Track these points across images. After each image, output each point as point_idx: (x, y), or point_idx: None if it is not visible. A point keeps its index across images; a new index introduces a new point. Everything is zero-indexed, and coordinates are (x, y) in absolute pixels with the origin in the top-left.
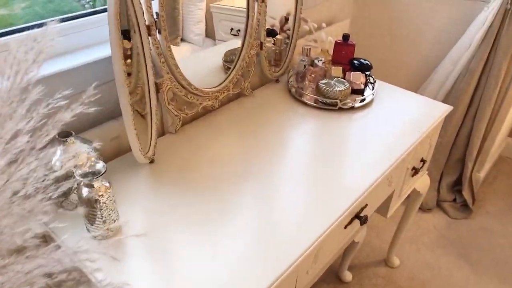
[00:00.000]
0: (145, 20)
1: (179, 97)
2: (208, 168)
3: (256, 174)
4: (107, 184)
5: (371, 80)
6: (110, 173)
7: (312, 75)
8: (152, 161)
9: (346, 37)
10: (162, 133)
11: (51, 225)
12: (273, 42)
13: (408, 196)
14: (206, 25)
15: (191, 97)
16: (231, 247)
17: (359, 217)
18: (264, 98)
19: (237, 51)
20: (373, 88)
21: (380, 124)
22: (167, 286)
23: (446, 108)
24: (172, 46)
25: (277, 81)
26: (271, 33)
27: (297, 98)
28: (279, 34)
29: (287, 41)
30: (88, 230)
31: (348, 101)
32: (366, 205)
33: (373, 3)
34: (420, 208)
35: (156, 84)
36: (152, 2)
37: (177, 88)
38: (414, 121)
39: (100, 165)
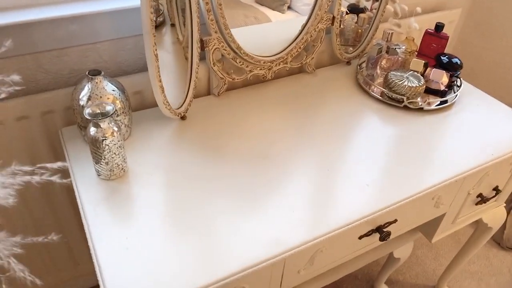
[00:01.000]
0: None
1: (227, 60)
2: (239, 139)
3: (285, 157)
4: (115, 128)
5: (458, 83)
6: (138, 120)
7: (387, 64)
8: (183, 118)
9: (439, 27)
10: (207, 93)
11: (69, 150)
12: (356, 20)
13: (477, 224)
14: None
15: (240, 62)
16: (231, 220)
17: (380, 230)
18: (326, 79)
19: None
20: (455, 92)
21: (449, 134)
22: (159, 235)
23: None
24: (275, 12)
25: (348, 63)
26: (356, 9)
27: (362, 86)
28: (365, 12)
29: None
30: (94, 167)
31: (418, 100)
32: (396, 220)
33: None
34: (498, 243)
35: (202, 41)
36: None
37: (225, 50)
38: (495, 141)
39: (110, 107)
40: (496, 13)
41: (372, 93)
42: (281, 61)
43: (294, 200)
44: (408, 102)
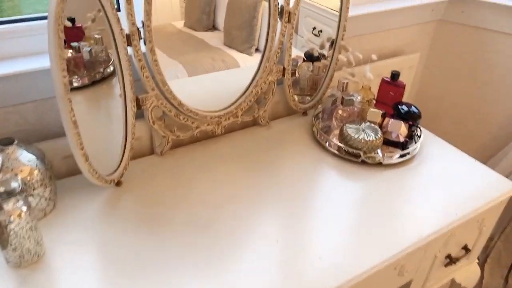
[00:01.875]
0: (122, 28)
1: (169, 117)
2: (181, 205)
3: (231, 227)
4: (24, 208)
5: (418, 133)
6: (67, 188)
7: (343, 115)
8: (118, 184)
9: (395, 75)
10: (151, 151)
11: None
12: (311, 69)
13: (452, 282)
14: None
15: (184, 119)
16: None
17: None
18: (281, 132)
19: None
20: (415, 143)
21: (410, 193)
22: None
23: (510, 189)
24: (243, 55)
25: (304, 113)
26: (311, 57)
27: (317, 139)
28: (320, 60)
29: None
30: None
31: (376, 154)
32: None
33: (458, 36)
34: None
35: (137, 99)
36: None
37: (165, 107)
38: (459, 197)
39: (15, 184)
40: (451, 56)
41: (329, 147)
42: (230, 115)
43: (237, 279)
44: (366, 157)
